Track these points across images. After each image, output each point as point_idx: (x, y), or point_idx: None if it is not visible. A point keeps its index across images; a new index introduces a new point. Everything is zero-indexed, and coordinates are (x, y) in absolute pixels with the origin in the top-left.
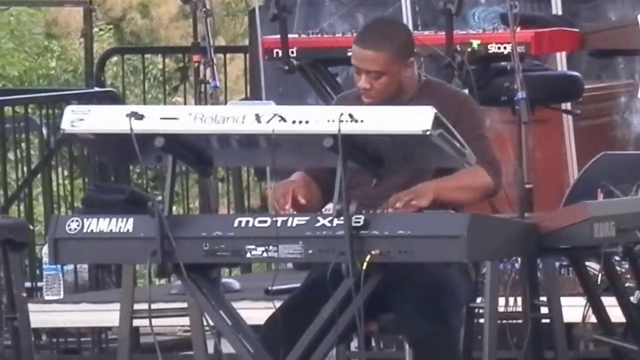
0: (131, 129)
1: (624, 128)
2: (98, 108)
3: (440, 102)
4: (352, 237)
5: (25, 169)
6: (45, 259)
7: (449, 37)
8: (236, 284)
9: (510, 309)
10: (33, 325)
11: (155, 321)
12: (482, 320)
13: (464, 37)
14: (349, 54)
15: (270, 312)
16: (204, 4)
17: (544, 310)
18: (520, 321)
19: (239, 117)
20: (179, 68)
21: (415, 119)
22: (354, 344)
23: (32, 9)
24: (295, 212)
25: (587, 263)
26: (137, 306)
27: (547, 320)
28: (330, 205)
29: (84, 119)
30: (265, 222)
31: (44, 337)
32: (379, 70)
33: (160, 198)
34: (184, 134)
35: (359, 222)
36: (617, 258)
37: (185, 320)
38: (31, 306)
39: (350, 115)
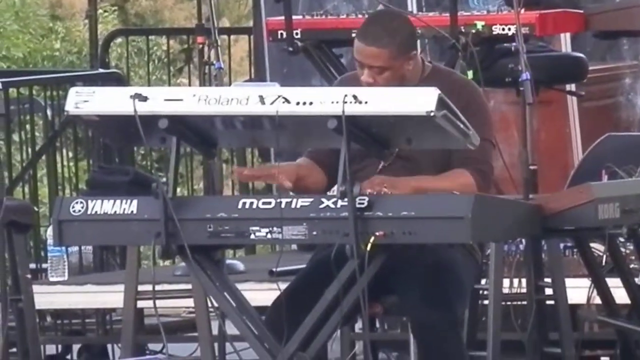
0: (135, 111)
1: (628, 109)
2: (102, 90)
3: (450, 90)
4: (356, 219)
5: (29, 150)
6: (50, 241)
7: (453, 19)
8: (240, 266)
9: (514, 291)
10: (37, 306)
11: (159, 302)
12: (486, 302)
13: (468, 19)
14: (353, 34)
15: (275, 293)
16: None
17: (549, 291)
18: (524, 303)
19: (243, 98)
20: (183, 49)
21: (419, 100)
22: (358, 326)
23: None
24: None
25: (591, 244)
26: (141, 287)
27: (552, 302)
28: (335, 188)
29: (88, 101)
30: (270, 203)
31: (49, 319)
32: (382, 66)
33: (164, 179)
34: (188, 116)
35: (363, 203)
36: (621, 239)
37: (189, 302)
38: (36, 287)
39: (355, 97)
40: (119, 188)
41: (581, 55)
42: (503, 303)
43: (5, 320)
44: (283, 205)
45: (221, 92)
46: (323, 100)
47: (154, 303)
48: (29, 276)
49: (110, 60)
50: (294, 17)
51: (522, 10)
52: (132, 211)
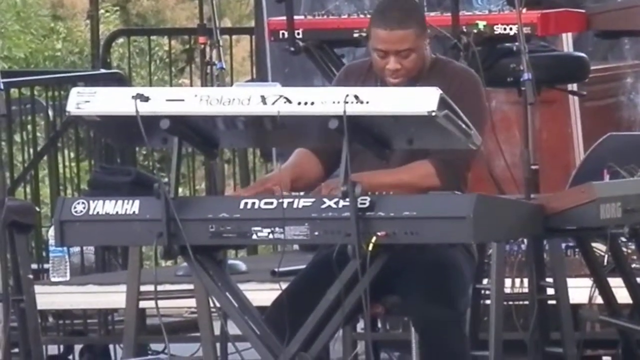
0: (137, 111)
1: (630, 109)
2: (104, 90)
3: (445, 80)
4: (358, 219)
5: (31, 151)
6: (52, 241)
7: (454, 19)
8: (242, 266)
9: (516, 291)
10: (39, 307)
11: (161, 303)
12: (488, 302)
13: (469, 19)
14: (355, 35)
15: (276, 293)
16: None
17: (550, 291)
18: (526, 302)
19: (245, 98)
20: (185, 50)
21: (420, 99)
22: (360, 326)
23: None
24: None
25: (593, 244)
26: (143, 288)
27: (554, 302)
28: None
29: (89, 101)
30: (271, 203)
31: (51, 319)
32: (410, 47)
33: (166, 180)
34: (189, 116)
35: (364, 203)
36: (623, 239)
37: (191, 302)
38: (37, 288)
39: (356, 97)
40: (120, 188)
41: (583, 55)
42: (505, 303)
43: (7, 320)
44: (285, 206)
45: (223, 93)
46: (324, 100)
47: (156, 303)
48: (30, 276)
49: (111, 61)
50: (295, 17)
51: (524, 10)
52: (134, 211)
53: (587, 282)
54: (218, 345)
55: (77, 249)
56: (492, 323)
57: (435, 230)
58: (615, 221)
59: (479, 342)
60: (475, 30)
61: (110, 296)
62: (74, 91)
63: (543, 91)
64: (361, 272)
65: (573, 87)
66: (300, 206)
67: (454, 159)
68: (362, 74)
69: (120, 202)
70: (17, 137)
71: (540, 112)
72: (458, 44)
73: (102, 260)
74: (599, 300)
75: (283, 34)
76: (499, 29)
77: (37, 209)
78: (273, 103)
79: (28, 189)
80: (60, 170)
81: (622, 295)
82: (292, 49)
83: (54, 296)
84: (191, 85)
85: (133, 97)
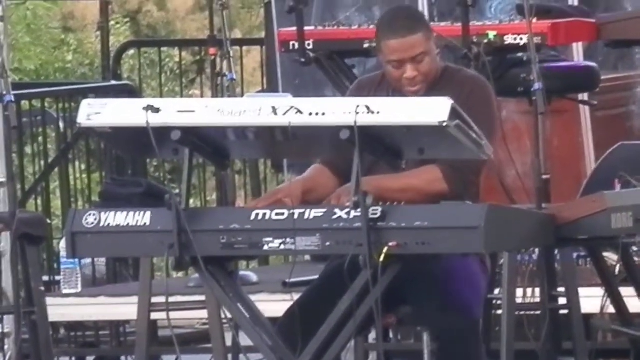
0: (148, 122)
1: None
2: (115, 101)
3: (456, 88)
4: (369, 229)
5: (42, 162)
6: (63, 253)
7: (465, 29)
8: (254, 277)
9: (528, 300)
10: (51, 319)
11: (173, 314)
12: (500, 312)
13: (480, 29)
14: (366, 45)
15: (288, 304)
16: None
17: (562, 301)
18: (538, 312)
19: (256, 109)
20: (196, 61)
21: (432, 109)
22: (372, 336)
23: (49, 3)
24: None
25: (604, 253)
26: (154, 299)
27: (565, 311)
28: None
29: (100, 113)
30: (283, 214)
31: (62, 331)
32: (423, 51)
33: (177, 191)
34: (200, 127)
35: (376, 213)
36: (635, 248)
37: (203, 313)
38: (49, 300)
39: (367, 107)
40: (132, 200)
41: (593, 64)
42: (517, 313)
43: (18, 332)
44: (296, 216)
45: (234, 104)
46: (335, 110)
47: (168, 315)
48: (42, 288)
49: (122, 72)
50: (306, 28)
51: (534, 20)
52: (145, 223)
53: (599, 291)
54: (230, 356)
55: (88, 260)
56: (504, 333)
57: (447, 240)
58: (626, 231)
59: (491, 353)
60: (485, 41)
61: (121, 308)
62: (85, 103)
63: (554, 101)
64: (373, 283)
65: (584, 96)
66: (311, 217)
67: (463, 166)
68: (374, 87)
69: (131, 213)
70: (28, 149)
71: (551, 122)
72: (469, 54)
73: (113, 272)
74: (610, 309)
75: (293, 44)
76: (509, 39)
77: (49, 220)
78: (284, 114)
79: (39, 201)
80: (72, 182)
81: (634, 304)
82: (303, 59)
83: (65, 308)
84: (202, 97)
85: (144, 108)
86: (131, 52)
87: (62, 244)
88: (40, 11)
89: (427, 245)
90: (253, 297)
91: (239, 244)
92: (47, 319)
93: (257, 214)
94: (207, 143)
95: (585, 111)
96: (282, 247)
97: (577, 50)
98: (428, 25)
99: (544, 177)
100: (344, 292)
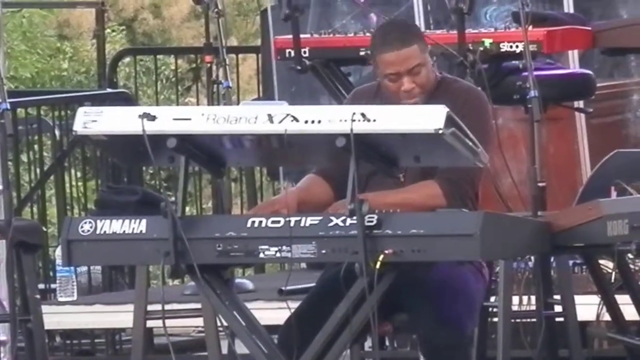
0: (144, 130)
1: (636, 126)
2: (110, 109)
3: (451, 99)
4: (365, 237)
5: (38, 170)
6: (59, 261)
7: (461, 36)
8: (250, 284)
9: (523, 308)
10: (47, 327)
11: (168, 322)
12: (495, 319)
13: (476, 36)
14: (362, 53)
15: (284, 312)
16: (215, 4)
17: (558, 308)
18: (534, 320)
19: (252, 117)
20: (192, 68)
21: (427, 117)
22: (367, 344)
23: (44, 11)
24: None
25: (600, 261)
26: (150, 307)
27: (561, 319)
28: (335, 203)
29: (96, 120)
30: (278, 222)
31: (58, 339)
32: (419, 62)
33: (173, 199)
34: (196, 135)
35: (372, 221)
36: (630, 256)
37: (199, 321)
38: (45, 308)
39: (363, 115)
40: (127, 208)
41: (589, 72)
42: (512, 320)
43: (14, 340)
44: (292, 224)
45: (229, 111)
46: (331, 118)
47: (164, 322)
48: (38, 296)
49: (118, 80)
50: (302, 35)
51: (530, 28)
52: (141, 231)
53: (595, 299)
54: None
55: (84, 268)
56: (500, 341)
57: (443, 248)
58: (622, 238)
59: None
60: (481, 48)
61: (117, 316)
62: (81, 111)
63: (549, 108)
64: (369, 290)
65: (579, 104)
66: (307, 224)
67: (460, 179)
68: (370, 97)
69: (127, 221)
70: (24, 157)
71: (546, 130)
72: (464, 61)
73: (109, 280)
74: (606, 317)
75: (289, 52)
76: (505, 47)
77: (44, 228)
78: (280, 121)
79: (35, 209)
80: (67, 190)
81: (630, 312)
82: (299, 67)
83: (61, 316)
84: (198, 104)
85: (140, 116)
86: (127, 59)
87: (58, 251)
88: (36, 19)
89: (423, 252)
90: (249, 305)
91: (234, 252)
92: (43, 327)
93: (253, 222)
94: (203, 151)
95: (581, 119)
96: (278, 254)
97: (573, 58)
98: (422, 36)
99: (540, 184)
100: (340, 300)
